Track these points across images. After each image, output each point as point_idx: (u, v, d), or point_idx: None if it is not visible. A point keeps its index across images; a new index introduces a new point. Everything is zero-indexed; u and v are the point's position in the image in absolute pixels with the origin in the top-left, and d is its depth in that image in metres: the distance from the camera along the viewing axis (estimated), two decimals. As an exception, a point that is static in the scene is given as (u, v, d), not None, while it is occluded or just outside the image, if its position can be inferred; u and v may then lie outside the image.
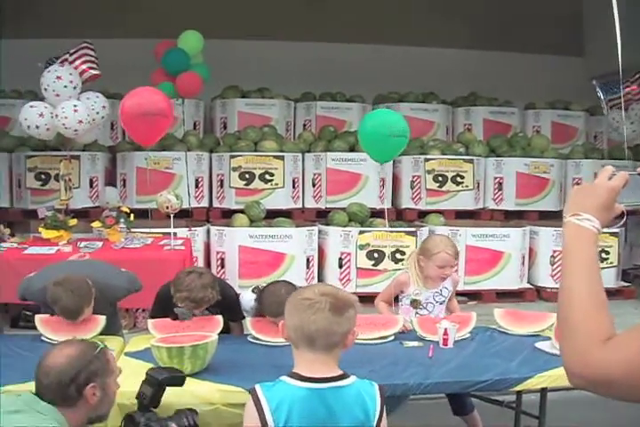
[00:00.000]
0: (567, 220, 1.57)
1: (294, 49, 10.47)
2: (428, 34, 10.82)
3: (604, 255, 8.22)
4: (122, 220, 6.96)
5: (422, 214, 8.80)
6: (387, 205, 8.21)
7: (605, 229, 1.60)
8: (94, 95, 7.53)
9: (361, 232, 7.90)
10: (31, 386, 2.99)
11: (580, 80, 10.24)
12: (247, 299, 4.12)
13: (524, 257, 8.39)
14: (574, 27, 11.63)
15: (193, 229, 7.77)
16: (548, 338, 3.84)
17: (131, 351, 3.63)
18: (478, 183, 9.05)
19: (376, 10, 10.72)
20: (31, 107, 7.24)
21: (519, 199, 9.11)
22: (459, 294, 5.74)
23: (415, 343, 3.83)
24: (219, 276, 7.57)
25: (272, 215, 8.19)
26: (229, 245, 7.80)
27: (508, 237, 8.26)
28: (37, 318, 3.92)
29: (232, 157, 8.60)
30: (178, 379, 2.83)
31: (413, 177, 8.89)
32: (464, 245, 7.88)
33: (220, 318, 3.89)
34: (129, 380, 2.80)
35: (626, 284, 8.67)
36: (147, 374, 2.73)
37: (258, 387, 2.27)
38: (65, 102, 7.13)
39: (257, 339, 3.83)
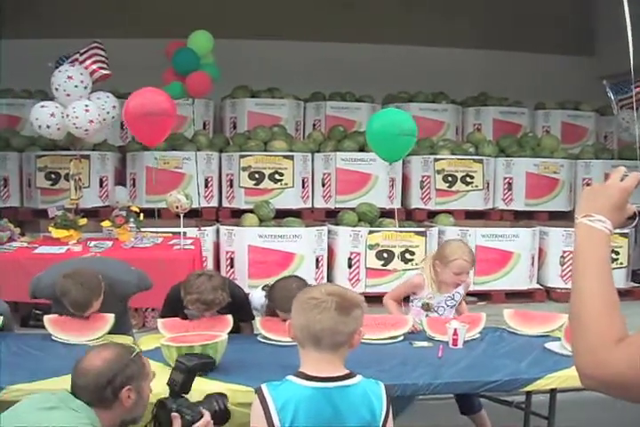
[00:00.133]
0: (579, 221, 1.56)
1: (304, 49, 10.46)
2: (439, 34, 10.79)
3: (613, 256, 8.18)
4: (132, 219, 6.97)
5: (432, 214, 8.78)
6: (396, 205, 8.21)
7: (615, 230, 1.59)
8: (104, 95, 7.55)
9: (370, 232, 7.89)
10: (41, 385, 3.03)
11: (591, 80, 10.19)
12: (257, 297, 4.13)
13: (533, 257, 8.36)
14: (585, 26, 11.59)
15: (202, 228, 7.77)
16: (558, 339, 3.83)
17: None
18: (488, 183, 9.03)
19: (386, 9, 10.72)
20: (42, 107, 7.27)
21: (529, 199, 9.09)
22: (468, 294, 5.71)
23: (425, 343, 3.83)
24: (228, 276, 7.59)
25: (281, 215, 8.19)
26: (239, 244, 7.80)
27: (517, 238, 8.24)
28: (46, 318, 3.93)
29: (242, 156, 8.61)
30: (208, 365, 2.87)
31: (423, 177, 8.88)
32: (473, 245, 7.84)
33: (229, 317, 3.89)
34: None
35: (636, 284, 8.63)
36: (176, 360, 2.74)
37: (264, 386, 2.27)
38: (76, 102, 7.15)
39: (266, 338, 3.84)
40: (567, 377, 3.27)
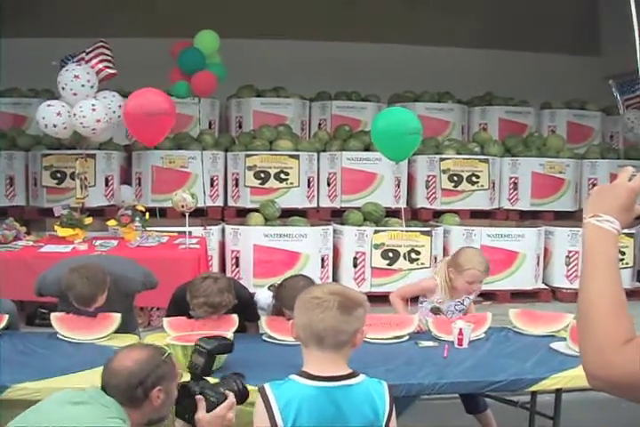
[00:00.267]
0: (587, 221, 1.56)
1: (310, 48, 10.46)
2: (444, 33, 10.79)
3: (619, 256, 8.15)
4: (137, 218, 6.98)
5: (437, 214, 8.79)
6: (402, 204, 8.21)
7: (624, 230, 1.59)
8: (110, 94, 7.55)
9: (376, 232, 7.89)
10: (47, 383, 3.03)
11: (596, 80, 10.17)
12: (263, 297, 4.12)
13: (539, 257, 8.35)
14: (590, 26, 11.58)
15: (208, 227, 7.78)
16: (564, 339, 3.82)
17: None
18: (493, 183, 9.03)
19: (392, 9, 10.72)
20: (49, 106, 7.27)
21: (534, 199, 9.08)
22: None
23: (430, 343, 3.83)
24: (233, 275, 7.60)
25: (287, 214, 8.20)
26: (244, 243, 7.81)
27: (523, 238, 8.23)
28: (53, 316, 3.94)
29: (247, 156, 8.61)
30: (226, 346, 2.88)
31: (428, 177, 8.88)
32: (479, 245, 7.84)
33: (235, 316, 3.89)
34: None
35: (641, 284, 8.63)
36: (196, 345, 2.77)
37: (267, 385, 2.26)
38: (83, 101, 7.16)
39: (272, 338, 3.84)
40: (572, 377, 3.27)
